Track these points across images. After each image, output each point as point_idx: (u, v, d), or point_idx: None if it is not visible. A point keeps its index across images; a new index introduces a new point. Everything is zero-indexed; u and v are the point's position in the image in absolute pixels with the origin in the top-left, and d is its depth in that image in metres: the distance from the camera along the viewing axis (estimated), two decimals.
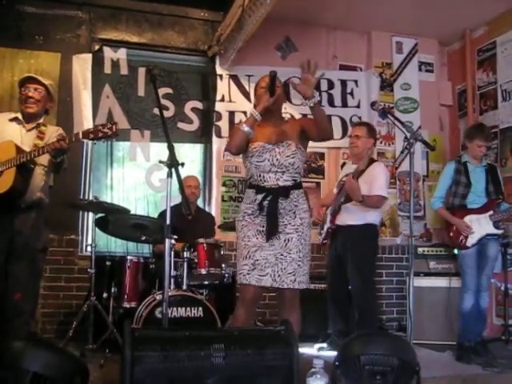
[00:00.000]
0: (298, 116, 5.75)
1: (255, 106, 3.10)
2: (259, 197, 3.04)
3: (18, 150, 3.32)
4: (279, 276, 2.97)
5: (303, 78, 2.91)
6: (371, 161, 4.50)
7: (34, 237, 3.45)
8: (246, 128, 2.98)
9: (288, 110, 5.68)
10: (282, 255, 2.99)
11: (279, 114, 3.24)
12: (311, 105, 2.91)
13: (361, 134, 4.48)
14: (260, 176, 3.06)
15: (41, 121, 3.65)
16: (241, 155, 3.22)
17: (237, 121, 5.45)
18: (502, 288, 4.98)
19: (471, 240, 4.35)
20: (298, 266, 3.01)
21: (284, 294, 3.05)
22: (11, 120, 3.60)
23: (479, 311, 4.35)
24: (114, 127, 3.18)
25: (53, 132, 3.64)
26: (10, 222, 3.38)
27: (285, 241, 3.01)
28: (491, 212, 4.35)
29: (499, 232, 4.36)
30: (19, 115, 3.63)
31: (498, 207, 4.39)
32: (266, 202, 3.02)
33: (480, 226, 4.34)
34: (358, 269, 4.28)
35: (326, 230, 4.51)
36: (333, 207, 4.45)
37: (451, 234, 4.51)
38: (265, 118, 3.07)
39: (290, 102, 5.77)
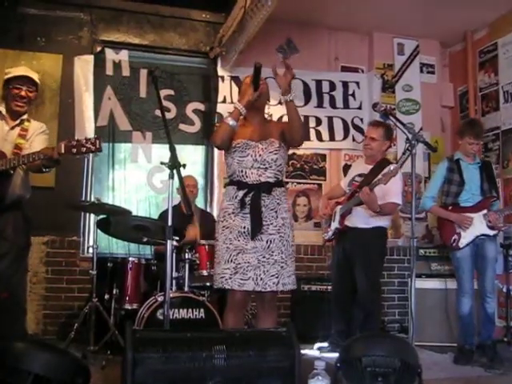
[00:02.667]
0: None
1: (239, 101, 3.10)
2: (240, 193, 3.00)
3: None
4: (261, 279, 2.92)
5: (284, 72, 2.98)
6: (386, 162, 4.44)
7: (17, 235, 3.41)
8: (230, 121, 2.97)
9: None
10: (264, 257, 2.95)
11: (262, 114, 3.25)
12: (286, 100, 2.95)
13: (376, 137, 4.41)
14: (242, 172, 3.02)
15: (25, 117, 3.56)
16: (223, 153, 3.21)
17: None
18: (504, 290, 4.96)
19: (464, 240, 4.26)
20: (281, 267, 2.97)
21: (264, 297, 3.03)
22: None
23: (486, 315, 4.29)
24: (97, 142, 3.11)
25: (36, 129, 3.55)
26: None
27: (267, 242, 2.96)
28: (485, 211, 4.26)
29: (493, 232, 4.26)
30: (2, 109, 3.53)
31: (491, 206, 4.32)
32: (247, 199, 2.98)
33: (473, 226, 4.24)
34: (367, 271, 4.24)
35: (333, 229, 4.45)
36: (344, 208, 4.37)
37: (443, 234, 4.44)
38: (249, 116, 3.11)
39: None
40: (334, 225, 4.45)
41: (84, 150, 3.10)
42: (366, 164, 4.50)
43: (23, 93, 3.49)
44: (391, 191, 4.19)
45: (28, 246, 3.59)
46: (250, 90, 3.00)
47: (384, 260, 4.60)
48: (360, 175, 4.44)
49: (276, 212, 3.02)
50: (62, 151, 3.12)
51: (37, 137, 3.52)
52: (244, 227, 2.96)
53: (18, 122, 3.51)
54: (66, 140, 3.18)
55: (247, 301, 3.12)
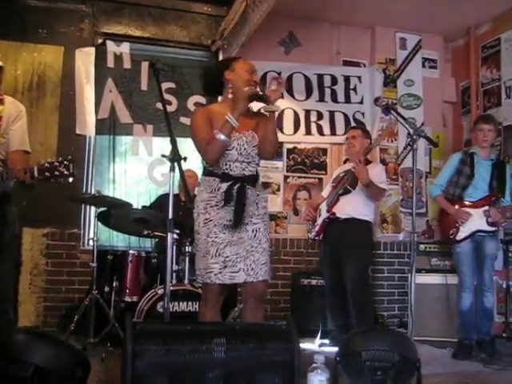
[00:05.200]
0: (300, 111, 5.78)
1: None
2: (224, 185, 2.92)
3: None
4: (252, 269, 2.86)
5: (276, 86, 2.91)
6: (368, 162, 4.49)
7: (3, 227, 3.23)
8: (222, 137, 2.84)
9: (290, 105, 5.71)
10: (252, 246, 2.90)
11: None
12: (270, 110, 2.89)
13: (357, 135, 4.54)
14: (226, 165, 2.94)
15: None
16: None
17: None
18: (504, 286, 4.97)
19: (462, 234, 4.29)
20: (268, 255, 2.95)
21: (256, 287, 2.92)
22: None
23: (484, 310, 4.30)
24: (70, 166, 2.93)
25: (12, 114, 3.23)
26: None
27: (253, 231, 2.92)
28: (486, 207, 4.27)
29: (492, 229, 4.27)
30: None
31: (494, 203, 4.30)
32: (232, 191, 2.89)
33: (472, 221, 4.27)
34: (355, 261, 4.28)
35: (321, 222, 4.48)
36: (330, 199, 4.45)
37: (442, 226, 4.51)
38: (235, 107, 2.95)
39: (293, 97, 5.78)
40: (321, 219, 4.50)
41: (57, 173, 2.92)
42: (351, 164, 4.55)
43: None
44: (378, 179, 4.30)
45: (16, 236, 3.45)
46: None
47: (372, 252, 4.71)
48: (345, 171, 4.52)
49: (257, 203, 2.97)
50: (36, 175, 2.91)
51: (14, 125, 3.23)
52: (229, 220, 2.89)
53: None
54: (39, 162, 2.95)
55: (224, 294, 3.06)
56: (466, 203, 4.34)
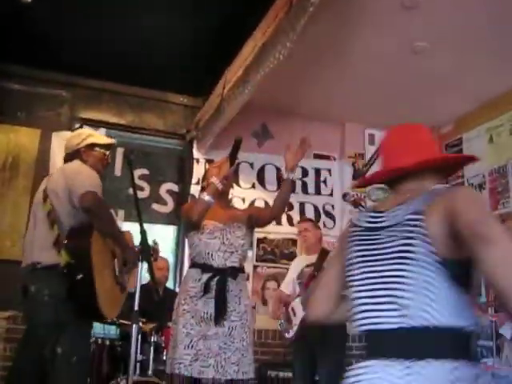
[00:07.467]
0: (271, 202, 5.86)
1: (204, 188, 3.14)
2: (205, 276, 2.95)
3: None
4: (222, 366, 2.84)
5: (298, 150, 3.04)
6: (325, 251, 4.51)
7: None
8: (207, 197, 2.93)
9: (261, 196, 5.80)
10: (225, 344, 2.88)
11: (227, 197, 3.28)
12: (289, 177, 3.03)
13: (309, 227, 4.71)
14: (208, 254, 2.98)
15: None
16: (188, 234, 3.18)
17: None
18: None
19: None
20: (242, 355, 2.91)
21: None
22: None
23: None
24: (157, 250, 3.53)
25: None
26: None
27: (229, 329, 2.91)
28: None
29: None
30: None
31: None
32: (212, 283, 2.93)
33: None
34: (334, 355, 4.21)
35: (298, 324, 4.35)
36: (305, 297, 4.30)
37: None
38: (215, 200, 3.04)
39: (265, 188, 5.87)
40: (297, 319, 4.36)
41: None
42: (309, 255, 4.64)
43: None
44: None
45: None
46: (226, 166, 2.99)
47: (346, 346, 4.64)
48: (308, 265, 4.49)
49: (239, 298, 2.99)
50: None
51: None
52: (207, 312, 2.90)
53: None
54: None
55: None
56: None
